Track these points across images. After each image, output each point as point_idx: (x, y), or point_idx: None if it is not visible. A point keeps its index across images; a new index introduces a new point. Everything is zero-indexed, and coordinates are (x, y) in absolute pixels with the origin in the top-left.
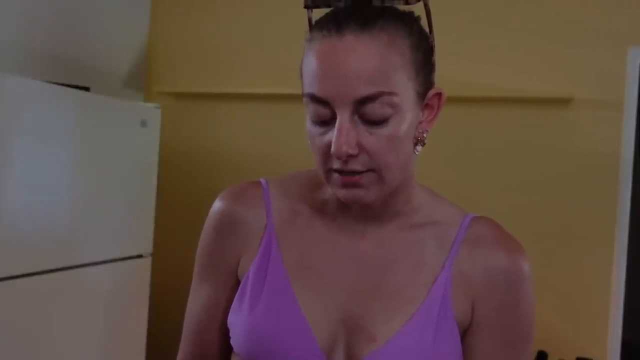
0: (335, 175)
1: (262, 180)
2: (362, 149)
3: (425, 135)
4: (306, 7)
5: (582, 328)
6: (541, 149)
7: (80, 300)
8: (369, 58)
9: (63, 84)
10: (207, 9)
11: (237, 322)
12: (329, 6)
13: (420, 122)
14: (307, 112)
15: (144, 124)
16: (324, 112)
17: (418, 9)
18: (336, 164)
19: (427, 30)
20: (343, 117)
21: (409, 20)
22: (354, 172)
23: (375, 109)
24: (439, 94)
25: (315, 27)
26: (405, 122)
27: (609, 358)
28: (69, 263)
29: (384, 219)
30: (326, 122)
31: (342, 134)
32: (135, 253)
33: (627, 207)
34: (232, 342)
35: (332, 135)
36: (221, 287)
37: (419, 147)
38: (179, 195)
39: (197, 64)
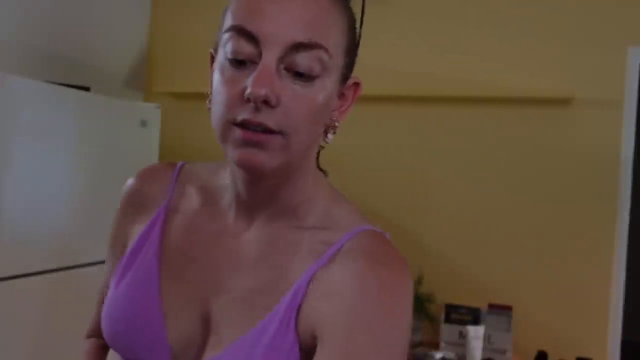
0: (237, 131)
1: (179, 163)
2: (280, 103)
3: (337, 124)
4: None
5: (582, 328)
6: (541, 148)
7: (80, 300)
8: (314, 7)
9: (63, 84)
10: (207, 9)
11: (105, 299)
12: None
13: (333, 110)
14: (220, 52)
15: (144, 124)
16: (248, 50)
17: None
18: (243, 114)
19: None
20: (270, 58)
21: (349, 6)
22: (262, 129)
23: (307, 60)
24: (357, 84)
25: None
26: (325, 93)
27: (609, 358)
28: (69, 263)
29: (274, 213)
30: (243, 64)
31: (266, 73)
32: None
33: (627, 206)
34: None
35: (249, 79)
36: (113, 264)
37: (330, 136)
38: None
39: (197, 64)
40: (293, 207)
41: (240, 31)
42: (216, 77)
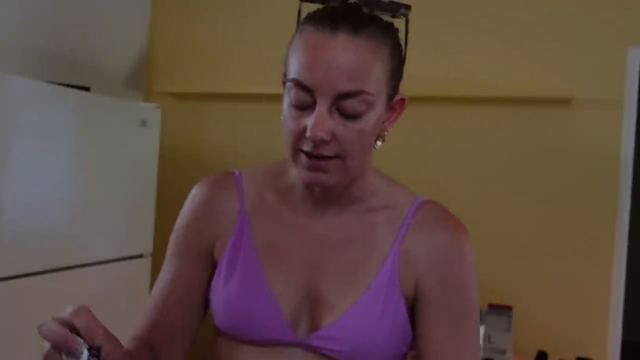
0: (303, 157)
1: (236, 171)
2: (334, 138)
3: (386, 133)
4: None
5: (582, 328)
6: (541, 148)
7: (80, 300)
8: (356, 59)
9: (63, 84)
10: (207, 9)
11: (215, 298)
12: (322, 3)
13: (383, 122)
14: (286, 95)
15: (144, 123)
16: (306, 98)
17: (398, 22)
18: (306, 146)
19: (402, 42)
20: (323, 106)
21: (391, 31)
22: (322, 157)
23: (353, 105)
24: (403, 100)
25: (308, 20)
26: (374, 120)
27: (609, 358)
28: (69, 263)
29: (343, 203)
30: (305, 108)
31: (320, 121)
32: (135, 253)
33: (627, 206)
34: (214, 320)
35: (309, 120)
36: (190, 263)
37: (379, 142)
38: (179, 195)
39: (197, 64)
40: (359, 196)
41: (298, 84)
42: (284, 112)
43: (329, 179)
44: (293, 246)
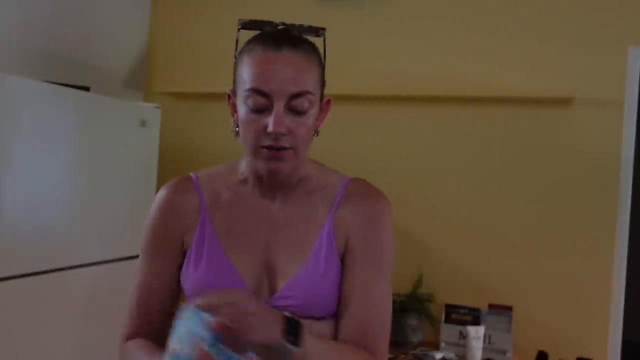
0: (264, 151)
1: (192, 174)
2: (289, 132)
3: (319, 129)
4: (242, 28)
5: (582, 328)
6: (542, 148)
7: (80, 300)
8: (299, 68)
9: (63, 84)
10: (207, 9)
11: (186, 283)
12: (260, 29)
13: (316, 119)
14: (241, 104)
15: (143, 123)
16: (264, 103)
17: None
18: (267, 141)
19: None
20: (279, 106)
21: (316, 48)
22: (281, 149)
23: (301, 103)
24: (329, 100)
25: (253, 42)
26: (313, 116)
27: (609, 358)
28: (69, 263)
29: (287, 190)
30: (262, 111)
31: (279, 118)
32: (135, 253)
33: (628, 206)
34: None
35: (268, 120)
36: (164, 261)
37: (315, 135)
38: None
39: (197, 64)
40: (298, 181)
41: (256, 91)
42: (242, 118)
43: (285, 167)
44: (249, 229)
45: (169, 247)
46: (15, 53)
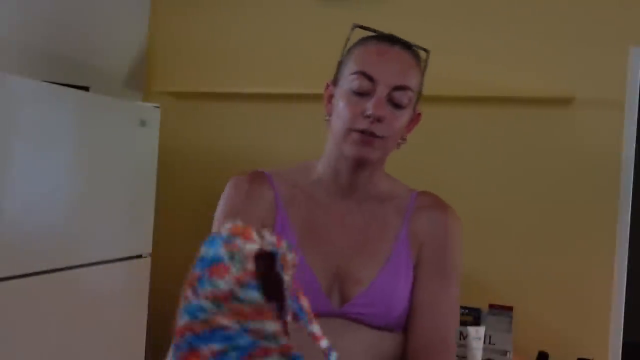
0: (355, 135)
1: (265, 171)
2: (384, 120)
3: (405, 137)
4: (357, 27)
5: (583, 328)
6: (542, 148)
7: (80, 300)
8: (407, 64)
9: (62, 84)
10: (207, 9)
11: None
12: (374, 31)
13: (405, 126)
14: (347, 87)
15: (143, 123)
16: (367, 87)
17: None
18: (362, 125)
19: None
20: (382, 93)
21: (420, 62)
22: (373, 135)
23: (401, 96)
24: (419, 114)
25: (368, 38)
26: (405, 119)
27: (610, 359)
28: (69, 263)
29: (360, 196)
30: (363, 95)
31: (380, 103)
32: (135, 253)
33: (628, 206)
34: None
35: (368, 104)
36: None
37: (401, 144)
38: (178, 195)
39: (196, 64)
40: (373, 189)
41: (363, 74)
42: (342, 100)
43: (372, 155)
44: (323, 232)
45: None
46: (15, 53)
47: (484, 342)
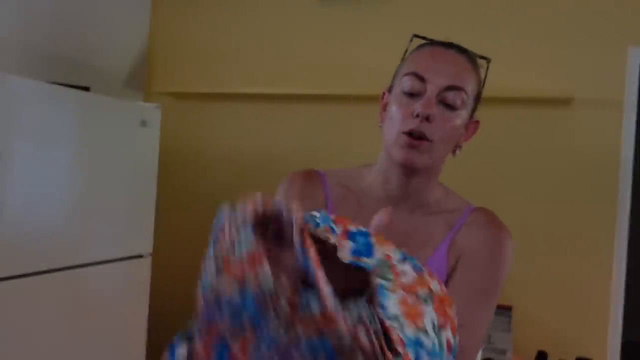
0: (403, 137)
1: (320, 170)
2: (434, 121)
3: (461, 145)
4: (415, 37)
5: (582, 328)
6: (541, 148)
7: (80, 300)
8: (460, 66)
9: (63, 84)
10: (207, 9)
11: None
12: (431, 40)
13: (460, 135)
14: (399, 89)
15: (143, 124)
16: (418, 87)
17: None
18: (411, 125)
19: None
20: (432, 93)
21: (478, 69)
22: (421, 137)
23: (452, 97)
24: (477, 122)
25: (422, 44)
26: (459, 122)
27: (609, 358)
28: (69, 263)
29: (411, 205)
30: (414, 96)
31: (429, 102)
32: (135, 253)
33: (627, 206)
34: None
35: (417, 105)
36: None
37: (457, 152)
38: (178, 195)
39: (197, 64)
40: (425, 199)
41: (415, 75)
42: (394, 103)
43: (419, 159)
44: None
45: None
46: (16, 53)
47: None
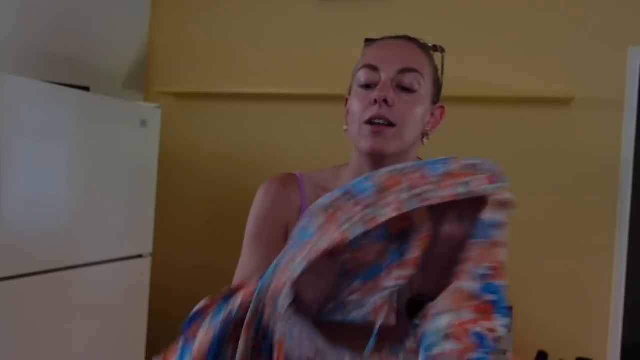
0: (366, 127)
1: (297, 173)
2: (393, 104)
3: (429, 133)
4: (366, 41)
5: (582, 328)
6: (541, 148)
7: (80, 300)
8: (412, 52)
9: (63, 84)
10: (207, 9)
11: None
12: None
13: (427, 122)
14: (354, 85)
15: (143, 124)
16: (373, 76)
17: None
18: (371, 112)
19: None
20: (387, 77)
21: (432, 57)
22: (384, 121)
23: (409, 79)
24: (442, 107)
25: (374, 40)
26: (421, 106)
27: (609, 358)
28: (69, 263)
29: None
30: (371, 87)
31: (385, 86)
32: (135, 253)
33: (628, 206)
34: None
35: (375, 93)
36: (274, 249)
37: (425, 140)
38: (178, 195)
39: (197, 64)
40: None
41: (368, 66)
42: (353, 99)
43: (387, 146)
44: None
45: (278, 237)
46: (15, 53)
47: None
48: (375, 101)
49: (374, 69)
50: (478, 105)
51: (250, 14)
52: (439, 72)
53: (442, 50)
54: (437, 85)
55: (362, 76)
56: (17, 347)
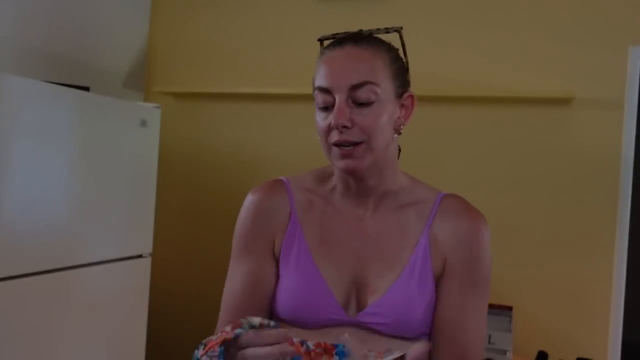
0: (335, 149)
1: (284, 178)
2: (354, 124)
3: (401, 127)
4: (319, 40)
5: (582, 328)
6: (542, 148)
7: (80, 300)
8: (360, 60)
9: (63, 84)
10: (207, 9)
11: (276, 289)
12: (334, 37)
13: (398, 117)
14: (315, 99)
15: (143, 123)
16: (328, 99)
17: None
18: (335, 137)
19: (402, 55)
20: (340, 99)
21: (389, 45)
22: (349, 144)
23: (364, 93)
24: (411, 96)
25: (323, 49)
26: (386, 111)
27: (609, 358)
28: (69, 263)
29: (378, 201)
30: (329, 109)
31: (340, 110)
32: (135, 253)
33: (628, 206)
34: (275, 309)
35: (332, 117)
36: (260, 262)
37: (396, 135)
38: (178, 195)
39: (197, 64)
40: (390, 192)
41: (321, 89)
42: (317, 117)
43: (361, 163)
44: (339, 240)
45: (264, 248)
46: (15, 53)
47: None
48: (335, 127)
49: (327, 91)
50: (478, 105)
51: (250, 14)
52: (400, 51)
53: (398, 31)
54: (400, 76)
55: (319, 99)
56: (17, 347)
